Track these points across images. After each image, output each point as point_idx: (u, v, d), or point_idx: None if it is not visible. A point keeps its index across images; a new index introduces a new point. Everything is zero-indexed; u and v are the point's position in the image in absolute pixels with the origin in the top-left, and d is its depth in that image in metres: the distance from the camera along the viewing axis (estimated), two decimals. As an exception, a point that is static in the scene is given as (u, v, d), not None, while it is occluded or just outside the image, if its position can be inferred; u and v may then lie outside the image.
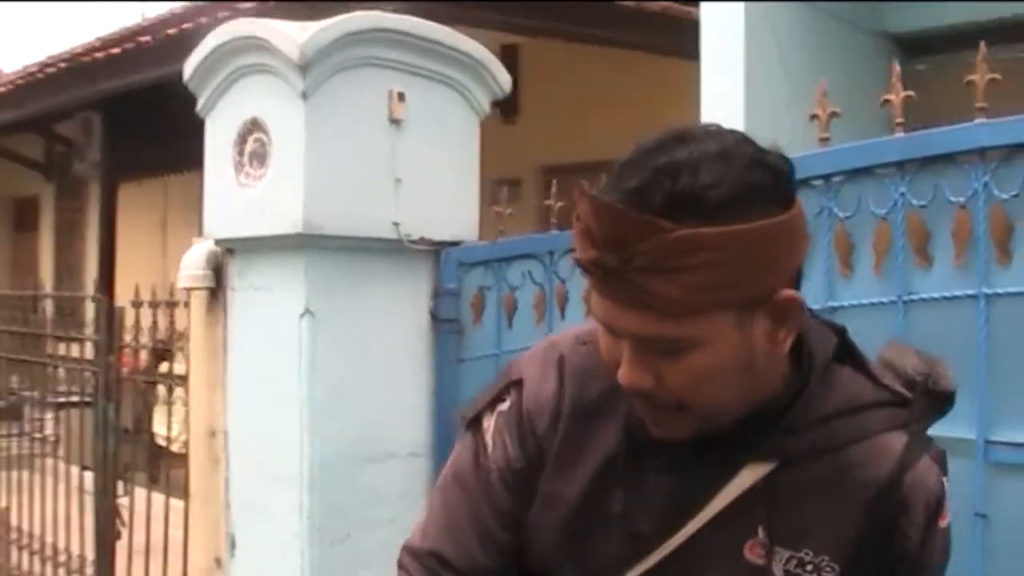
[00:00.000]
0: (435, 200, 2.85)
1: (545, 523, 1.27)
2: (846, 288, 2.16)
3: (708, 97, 3.84)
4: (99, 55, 6.65)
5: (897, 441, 1.23)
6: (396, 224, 2.75)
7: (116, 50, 6.53)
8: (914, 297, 2.05)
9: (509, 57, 7.80)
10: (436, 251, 2.88)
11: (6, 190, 13.64)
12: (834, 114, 2.17)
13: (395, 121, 2.73)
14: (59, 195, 12.36)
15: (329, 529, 2.74)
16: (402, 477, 2.87)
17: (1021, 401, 1.91)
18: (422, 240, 2.82)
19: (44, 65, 7.75)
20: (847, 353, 1.27)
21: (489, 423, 1.32)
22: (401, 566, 1.34)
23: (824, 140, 2.18)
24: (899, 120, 2.07)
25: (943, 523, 1.24)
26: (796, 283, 1.17)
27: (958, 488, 1.38)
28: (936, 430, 1.26)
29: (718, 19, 3.87)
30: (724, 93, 3.76)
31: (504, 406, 1.31)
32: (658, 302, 1.09)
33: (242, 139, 2.74)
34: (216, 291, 2.92)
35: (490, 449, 1.30)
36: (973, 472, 1.93)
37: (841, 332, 1.28)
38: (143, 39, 6.26)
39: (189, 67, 2.81)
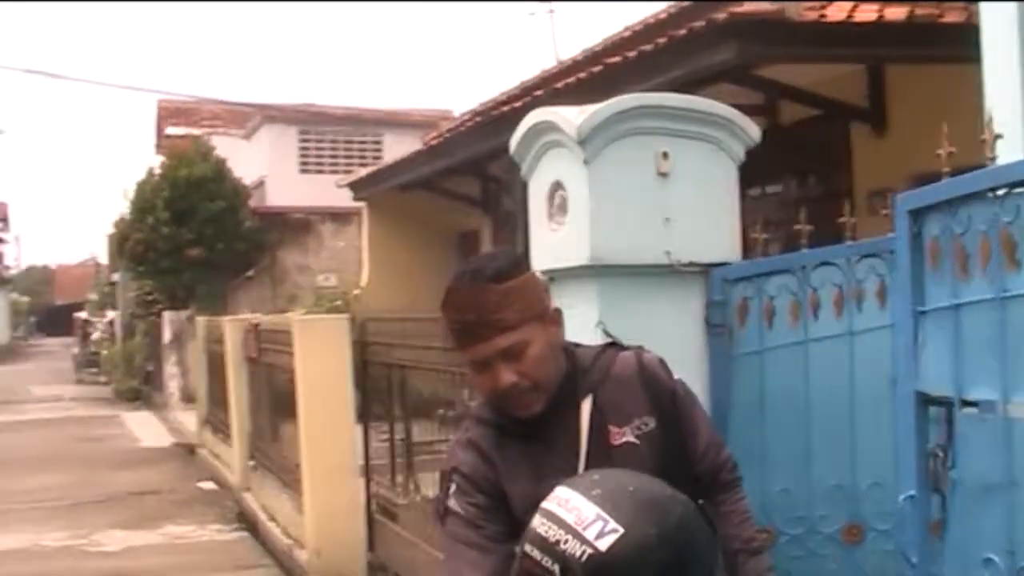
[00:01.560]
0: (701, 231, 3.67)
1: (518, 493, 2.34)
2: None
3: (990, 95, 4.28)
4: (517, 104, 8.03)
5: (629, 353, 2.56)
6: (668, 253, 3.61)
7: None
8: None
9: (874, 76, 8.25)
10: (706, 271, 3.70)
11: (454, 225, 15.83)
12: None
13: (662, 174, 3.60)
14: (495, 227, 14.33)
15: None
16: (685, 446, 3.71)
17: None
18: (691, 264, 3.66)
19: (475, 114, 9.31)
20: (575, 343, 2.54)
21: (452, 502, 2.40)
22: None
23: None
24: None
25: (675, 375, 2.60)
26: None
27: None
28: None
29: (994, 18, 4.28)
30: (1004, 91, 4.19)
31: (454, 487, 2.40)
32: (502, 325, 2.28)
33: (551, 195, 3.74)
34: (548, 307, 3.95)
35: (460, 508, 2.39)
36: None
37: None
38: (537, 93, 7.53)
39: (513, 143, 3.85)
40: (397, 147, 20.14)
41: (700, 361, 3.71)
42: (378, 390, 7.49)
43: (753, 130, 3.71)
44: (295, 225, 23.57)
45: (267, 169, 24.01)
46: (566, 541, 1.78)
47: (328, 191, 20.06)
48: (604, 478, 1.94)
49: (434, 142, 13.67)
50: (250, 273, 22.83)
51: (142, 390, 23.78)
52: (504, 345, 2.30)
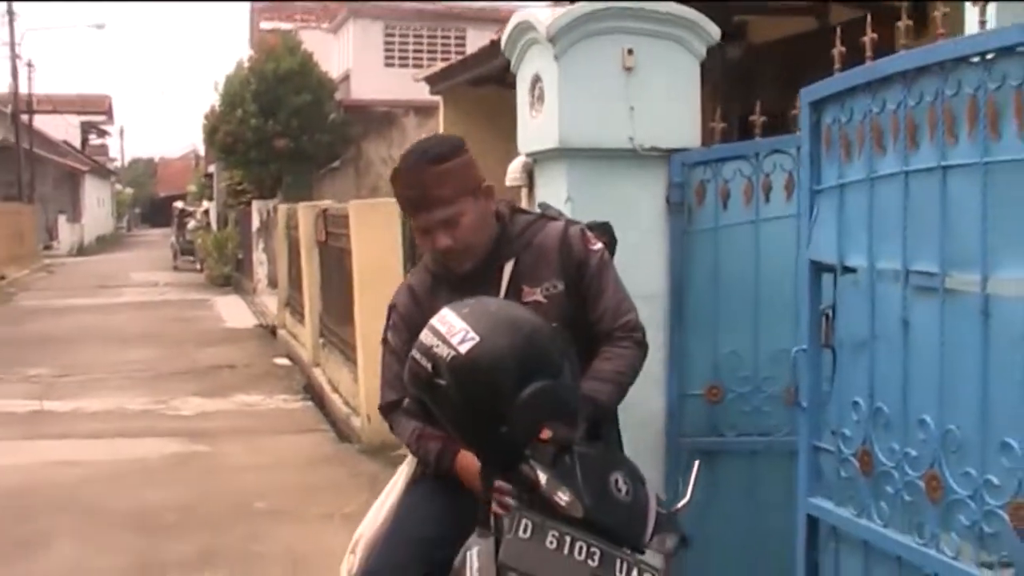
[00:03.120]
0: (663, 120, 4.09)
1: None
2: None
3: None
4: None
5: (562, 223, 2.98)
6: (631, 138, 4.05)
7: None
8: None
9: None
10: (667, 156, 4.13)
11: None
12: None
13: (627, 68, 4.01)
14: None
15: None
16: (646, 311, 4.15)
17: None
18: (653, 148, 4.09)
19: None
20: (519, 211, 2.98)
21: (389, 335, 3.01)
22: (385, 420, 3.01)
23: None
24: None
25: (593, 246, 3.01)
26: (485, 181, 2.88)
27: None
28: None
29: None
30: None
31: (391, 323, 3.01)
32: (440, 200, 2.78)
33: (532, 87, 4.18)
34: (530, 188, 4.42)
35: (392, 341, 2.96)
36: None
37: (510, 203, 3.03)
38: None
39: (502, 41, 4.29)
40: (480, 42, 20.37)
41: (661, 237, 4.16)
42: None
43: (713, 29, 4.09)
44: (379, 118, 24.07)
45: (352, 63, 24.52)
46: (437, 346, 2.30)
47: (412, 85, 20.50)
48: (476, 303, 2.45)
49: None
50: (335, 164, 23.50)
51: (233, 276, 24.74)
52: (441, 216, 2.83)
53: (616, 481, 2.46)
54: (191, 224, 33.07)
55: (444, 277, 2.96)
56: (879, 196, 2.91)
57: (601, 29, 3.97)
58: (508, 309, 2.45)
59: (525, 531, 2.32)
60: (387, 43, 24.69)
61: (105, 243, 49.94)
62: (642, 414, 4.19)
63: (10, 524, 6.20)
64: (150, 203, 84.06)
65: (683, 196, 4.14)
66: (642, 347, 3.11)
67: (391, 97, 23.49)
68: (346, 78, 24.57)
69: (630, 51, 4.00)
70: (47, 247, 40.14)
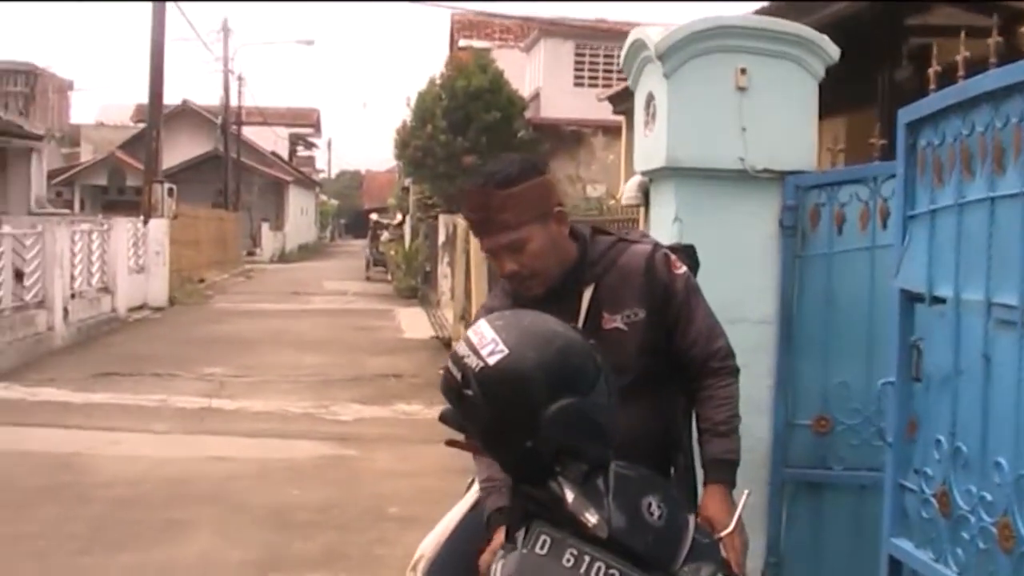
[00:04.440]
0: (777, 141, 3.99)
1: None
2: None
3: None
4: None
5: (646, 247, 2.86)
6: (742, 159, 3.96)
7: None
8: None
9: None
10: (780, 178, 4.02)
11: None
12: None
13: (740, 88, 3.94)
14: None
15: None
16: (754, 336, 4.07)
17: None
18: (766, 170, 3.99)
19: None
20: (599, 232, 2.87)
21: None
22: None
23: None
24: None
25: (678, 271, 2.89)
26: (562, 205, 2.81)
27: None
28: None
29: None
30: None
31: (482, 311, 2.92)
32: (504, 224, 2.72)
33: (646, 105, 4.15)
34: (646, 207, 4.38)
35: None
36: None
37: (592, 225, 2.91)
38: None
39: (621, 60, 4.26)
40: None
41: (772, 260, 4.06)
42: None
43: (832, 49, 3.97)
44: (567, 137, 24.27)
45: (542, 81, 24.77)
46: (467, 356, 2.29)
47: (601, 104, 20.59)
48: (512, 315, 2.43)
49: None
50: (522, 182, 23.72)
51: (419, 288, 25.28)
52: (505, 241, 2.76)
53: (649, 505, 2.40)
54: (384, 236, 33.97)
55: (522, 300, 2.87)
56: (966, 223, 2.76)
57: (712, 47, 3.91)
58: (542, 323, 2.41)
59: (543, 547, 2.30)
60: (577, 62, 24.83)
61: (306, 251, 51.84)
62: (747, 442, 4.05)
63: (160, 510, 6.54)
64: (354, 214, 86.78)
65: (796, 219, 4.03)
66: (737, 374, 3.03)
67: (580, 116, 23.63)
68: (536, 96, 24.83)
69: (743, 70, 3.93)
70: (250, 253, 41.97)
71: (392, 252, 30.48)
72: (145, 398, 10.58)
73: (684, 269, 2.97)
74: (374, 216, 39.10)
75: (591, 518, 2.28)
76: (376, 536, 6.16)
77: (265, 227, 45.78)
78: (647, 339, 2.85)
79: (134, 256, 20.14)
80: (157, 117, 22.97)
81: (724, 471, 2.85)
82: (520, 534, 2.37)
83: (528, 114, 24.04)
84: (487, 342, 2.29)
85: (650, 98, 4.11)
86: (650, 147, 4.12)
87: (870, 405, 3.92)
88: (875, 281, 3.88)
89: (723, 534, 2.64)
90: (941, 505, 2.82)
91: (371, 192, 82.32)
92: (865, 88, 7.44)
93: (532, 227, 2.75)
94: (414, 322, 19.08)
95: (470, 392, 2.28)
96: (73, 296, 15.83)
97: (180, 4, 40.48)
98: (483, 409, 2.28)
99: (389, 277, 30.18)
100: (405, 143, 23.31)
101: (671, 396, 2.96)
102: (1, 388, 11.02)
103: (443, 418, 2.50)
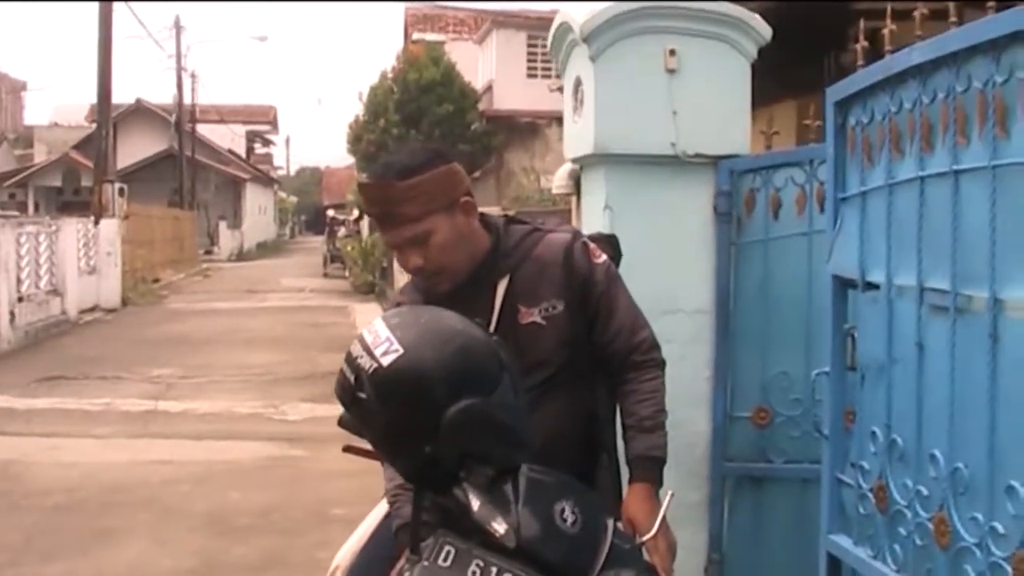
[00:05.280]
0: (709, 125, 3.85)
1: None
2: None
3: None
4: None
5: (564, 235, 2.70)
6: (673, 144, 3.82)
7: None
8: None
9: None
10: (714, 162, 3.89)
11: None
12: None
13: (670, 70, 3.79)
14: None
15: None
16: (690, 326, 3.94)
17: None
18: (698, 155, 3.85)
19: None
20: (513, 222, 2.70)
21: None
22: None
23: None
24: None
25: (598, 260, 2.72)
26: (470, 194, 2.61)
27: None
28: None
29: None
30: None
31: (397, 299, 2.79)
32: (406, 217, 2.52)
33: (575, 90, 4.00)
34: (578, 195, 4.23)
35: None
36: None
37: (505, 215, 2.73)
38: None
39: (548, 44, 4.11)
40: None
41: (707, 248, 3.92)
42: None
43: (764, 29, 3.84)
44: (521, 128, 24.11)
45: (495, 73, 24.60)
46: (361, 356, 2.12)
47: (556, 95, 20.43)
48: (408, 311, 2.27)
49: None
50: (476, 174, 23.58)
51: (377, 284, 25.07)
52: (408, 235, 2.56)
53: (562, 511, 2.25)
54: (341, 232, 33.71)
55: (433, 297, 2.68)
56: (896, 204, 2.63)
57: (640, 28, 3.77)
58: (440, 320, 2.25)
59: (446, 559, 2.14)
60: (530, 54, 24.68)
61: (265, 249, 51.39)
62: (685, 436, 3.96)
63: (92, 518, 6.36)
64: (315, 211, 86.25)
65: (731, 205, 3.90)
66: (663, 367, 2.86)
67: (533, 108, 23.49)
68: (489, 89, 24.68)
69: (672, 52, 3.79)
70: (208, 252, 41.53)
71: (349, 248, 30.22)
72: (89, 402, 10.35)
73: (604, 258, 2.80)
74: (331, 212, 38.83)
75: (498, 527, 2.13)
76: (319, 539, 5.97)
77: (223, 225, 45.32)
78: (566, 333, 2.69)
79: (84, 257, 19.82)
80: (106, 116, 22.62)
81: (649, 469, 2.69)
82: (426, 544, 2.21)
83: (482, 106, 23.88)
84: (381, 341, 2.12)
85: (578, 83, 3.96)
86: (578, 133, 3.98)
87: (810, 396, 3.79)
88: (813, 267, 3.74)
89: (645, 538, 2.49)
90: (878, 500, 2.69)
91: (331, 188, 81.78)
92: (814, 72, 7.34)
93: (436, 219, 2.56)
94: (370, 318, 18.64)
95: (363, 395, 2.12)
96: (20, 299, 15.52)
97: (130, 3, 39.83)
98: (378, 413, 2.12)
99: (346, 273, 29.94)
100: (358, 137, 23.10)
101: (593, 392, 2.80)
102: (-61, 395, 10.76)
103: (342, 423, 2.34)
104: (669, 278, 3.91)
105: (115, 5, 22.16)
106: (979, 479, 2.30)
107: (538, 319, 2.66)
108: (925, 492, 2.48)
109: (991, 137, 2.23)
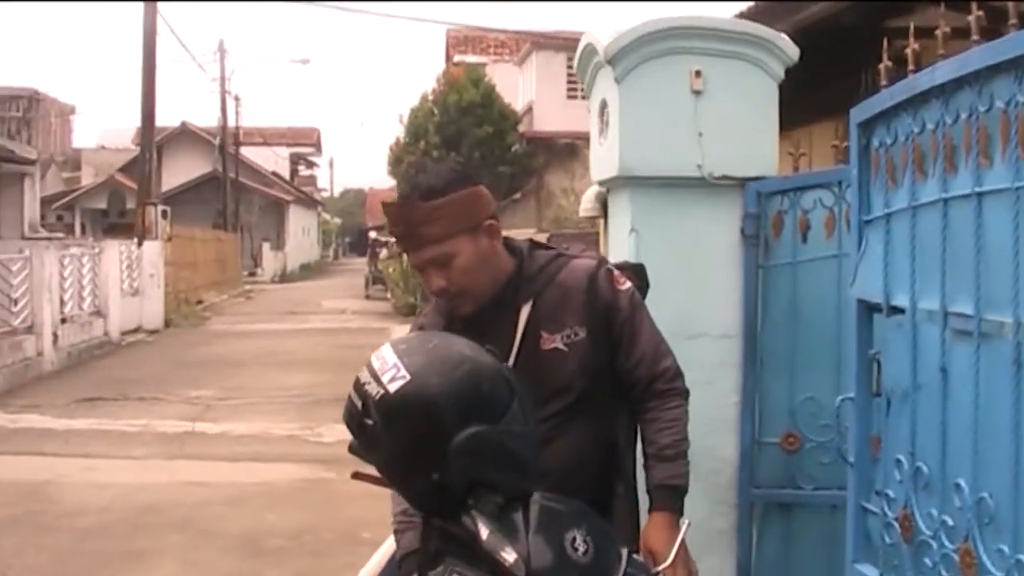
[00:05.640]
0: (736, 146, 3.81)
1: None
2: None
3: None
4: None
5: (588, 262, 2.68)
6: (699, 166, 3.78)
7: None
8: None
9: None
10: (741, 184, 3.84)
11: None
12: None
13: (696, 91, 3.76)
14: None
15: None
16: (717, 351, 3.89)
17: None
18: (725, 177, 3.81)
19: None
20: (538, 247, 2.69)
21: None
22: None
23: None
24: None
25: (622, 287, 2.69)
26: (494, 218, 2.59)
27: None
28: None
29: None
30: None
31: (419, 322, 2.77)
32: (429, 238, 2.50)
33: (600, 112, 3.97)
34: (605, 218, 4.20)
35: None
36: None
37: (530, 239, 2.73)
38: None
39: (575, 66, 4.09)
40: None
41: (734, 271, 3.87)
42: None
43: (791, 49, 3.79)
44: (561, 149, 24.12)
45: (535, 95, 24.64)
46: (369, 383, 2.10)
47: (594, 117, 20.44)
48: (416, 337, 2.25)
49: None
50: (516, 196, 23.62)
51: (418, 305, 25.04)
52: (429, 256, 2.54)
53: (573, 540, 2.21)
54: (383, 253, 33.75)
55: (457, 319, 2.66)
56: (920, 227, 2.58)
57: (665, 50, 3.74)
58: (449, 346, 2.21)
59: None
60: (570, 74, 24.68)
61: (308, 271, 51.66)
62: (712, 462, 3.92)
63: (124, 540, 6.37)
64: (358, 232, 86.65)
65: (758, 228, 3.85)
66: (686, 396, 2.81)
67: (573, 128, 23.48)
68: (529, 110, 24.72)
69: (698, 73, 3.75)
70: (251, 274, 41.80)
71: (391, 270, 30.26)
72: (127, 423, 10.41)
73: (628, 285, 2.75)
74: (373, 234, 38.92)
75: (507, 556, 2.09)
76: (349, 561, 5.92)
77: (266, 247, 45.62)
78: (588, 360, 2.64)
79: (127, 279, 19.99)
80: (149, 139, 22.86)
81: (669, 498, 2.64)
82: (435, 573, 2.18)
83: (522, 127, 23.93)
84: (388, 368, 2.09)
85: (603, 105, 3.94)
86: (604, 156, 3.95)
87: (842, 421, 3.72)
88: (842, 291, 3.67)
89: (662, 567, 2.44)
90: (903, 529, 2.63)
91: (374, 210, 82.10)
92: (851, 92, 7.27)
93: (459, 241, 2.53)
94: (409, 340, 18.82)
95: (370, 421, 2.10)
96: (64, 321, 15.68)
97: (173, 28, 40.26)
98: (385, 439, 2.10)
99: (388, 295, 29.97)
100: (399, 159, 23.24)
101: (615, 420, 2.76)
102: (-19, 415, 10.87)
103: (352, 450, 2.32)
104: (695, 302, 3.86)
105: (160, 29, 22.41)
106: (1004, 509, 2.23)
107: (560, 345, 2.63)
108: (950, 522, 2.42)
109: (1014, 158, 2.18)
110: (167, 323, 21.19)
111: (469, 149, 22.02)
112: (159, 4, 22.33)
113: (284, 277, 45.28)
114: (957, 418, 2.42)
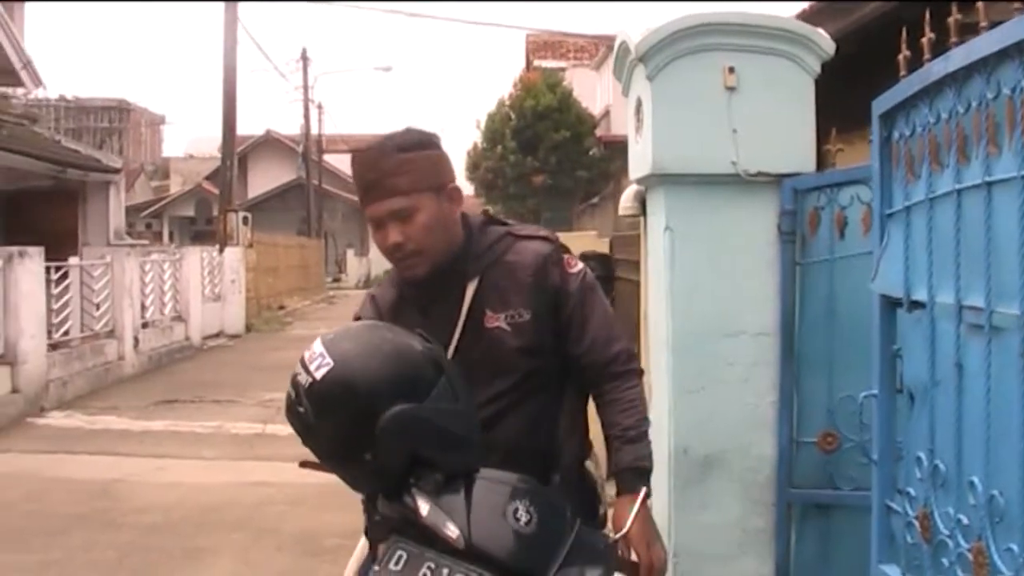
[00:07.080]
0: (772, 143, 3.77)
1: None
2: None
3: None
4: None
5: (540, 244, 2.63)
6: (734, 163, 3.75)
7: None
8: None
9: None
10: (777, 181, 3.80)
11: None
12: None
13: (729, 88, 3.73)
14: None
15: (687, 381, 3.85)
16: (754, 349, 3.85)
17: None
18: (760, 174, 3.77)
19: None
20: (491, 223, 2.67)
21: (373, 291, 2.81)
22: None
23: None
24: None
25: (572, 269, 2.64)
26: (455, 183, 2.62)
27: None
28: None
29: None
30: None
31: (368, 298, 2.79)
32: (396, 189, 2.50)
33: (636, 111, 3.96)
34: (644, 216, 4.18)
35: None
36: None
37: (487, 212, 2.72)
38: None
39: (613, 66, 4.08)
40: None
41: (770, 268, 3.83)
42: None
43: (827, 43, 3.74)
44: (639, 154, 23.99)
45: (612, 99, 24.57)
46: (300, 374, 2.21)
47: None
48: (344, 328, 2.33)
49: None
50: (595, 200, 23.57)
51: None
52: (395, 207, 2.52)
53: (516, 511, 2.23)
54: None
55: (406, 292, 2.70)
56: (937, 219, 2.53)
57: (697, 47, 3.72)
58: (372, 331, 2.30)
59: (397, 562, 2.16)
60: (647, 78, 24.62)
61: (374, 280, 52.09)
62: (749, 460, 3.89)
63: (185, 537, 6.49)
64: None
65: (795, 225, 3.80)
66: (641, 376, 2.75)
67: (651, 133, 23.37)
68: (606, 114, 24.66)
69: (731, 69, 3.72)
70: (336, 279, 42.31)
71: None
72: (200, 424, 10.61)
73: (580, 267, 2.70)
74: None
75: (450, 531, 2.14)
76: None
77: (350, 253, 46.13)
78: (531, 342, 2.60)
79: (209, 285, 20.36)
80: (231, 148, 23.27)
81: (637, 480, 2.57)
82: (382, 549, 2.23)
83: (599, 131, 23.86)
84: (315, 357, 2.21)
85: (638, 103, 3.93)
86: (640, 154, 3.94)
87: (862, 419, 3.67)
88: (881, 288, 3.63)
89: (616, 537, 2.43)
90: (923, 528, 2.58)
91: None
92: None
93: (424, 197, 2.54)
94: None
95: (302, 409, 2.21)
96: (144, 325, 16.01)
97: (255, 37, 40.82)
98: (316, 426, 2.21)
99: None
100: (476, 165, 23.36)
101: (557, 406, 2.70)
102: (62, 416, 11.14)
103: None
104: (731, 299, 3.84)
105: (240, 39, 22.80)
106: (1014, 508, 2.18)
107: (503, 324, 2.60)
108: (965, 521, 2.37)
109: (1020, 146, 2.13)
110: (248, 328, 21.53)
111: (546, 153, 22.06)
112: (240, 16, 22.72)
113: (368, 283, 45.59)
114: (972, 415, 2.37)
